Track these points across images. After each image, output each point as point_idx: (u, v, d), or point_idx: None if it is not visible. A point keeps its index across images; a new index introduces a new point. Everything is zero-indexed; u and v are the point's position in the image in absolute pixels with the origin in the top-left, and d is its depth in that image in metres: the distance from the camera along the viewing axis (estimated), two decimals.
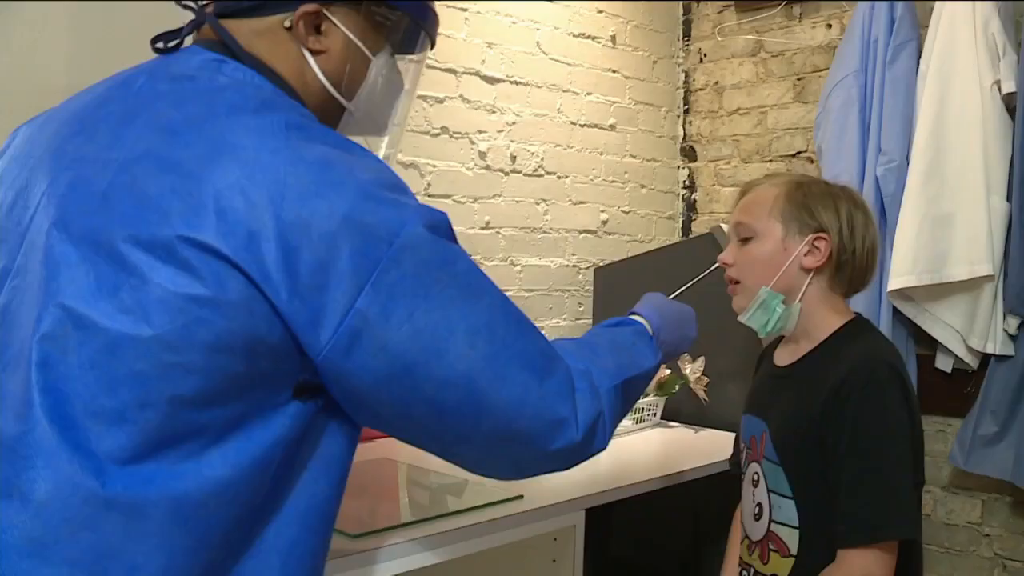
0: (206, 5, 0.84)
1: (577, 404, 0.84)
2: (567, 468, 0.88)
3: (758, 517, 1.34)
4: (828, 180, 1.39)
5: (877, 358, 1.25)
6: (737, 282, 1.36)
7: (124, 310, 0.66)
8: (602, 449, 0.90)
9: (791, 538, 1.28)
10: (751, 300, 1.33)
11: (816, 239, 1.30)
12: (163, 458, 0.67)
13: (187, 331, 0.66)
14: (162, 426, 0.67)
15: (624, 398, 0.95)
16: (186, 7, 0.85)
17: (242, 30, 0.82)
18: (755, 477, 1.36)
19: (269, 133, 0.72)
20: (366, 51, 0.86)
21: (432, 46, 0.95)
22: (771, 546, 1.31)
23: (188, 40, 0.85)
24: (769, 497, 1.31)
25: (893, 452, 1.20)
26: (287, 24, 0.82)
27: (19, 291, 0.73)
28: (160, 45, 0.84)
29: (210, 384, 0.68)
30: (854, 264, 1.32)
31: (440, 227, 0.76)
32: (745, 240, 1.36)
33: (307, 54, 0.83)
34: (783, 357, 1.40)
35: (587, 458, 0.89)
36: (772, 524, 1.30)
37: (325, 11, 0.83)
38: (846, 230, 1.30)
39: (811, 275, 1.32)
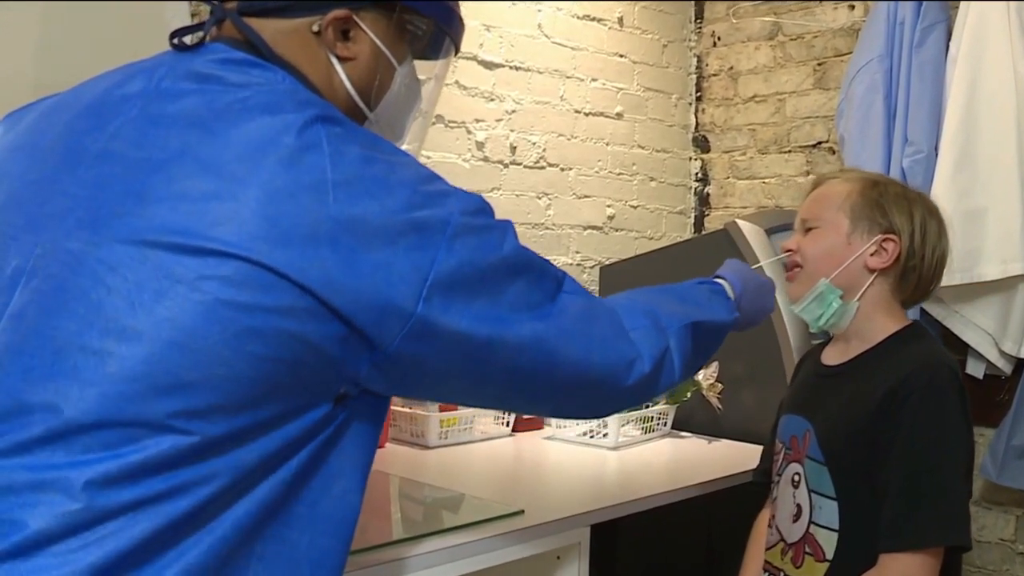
0: (227, 1, 0.86)
1: (637, 341, 0.95)
2: (641, 403, 1.04)
3: (796, 518, 1.38)
4: (906, 184, 1.46)
5: (938, 362, 1.31)
6: (797, 266, 1.42)
7: (169, 319, 0.68)
8: (670, 383, 1.01)
9: (828, 542, 1.31)
10: (808, 290, 1.39)
11: (884, 240, 1.36)
12: (200, 465, 0.70)
13: (236, 342, 0.69)
14: (204, 433, 0.69)
15: (694, 339, 1.04)
16: (207, 2, 0.87)
17: (267, 30, 0.84)
18: (795, 478, 1.40)
19: (309, 131, 0.74)
20: (392, 60, 0.90)
21: (457, 51, 1.00)
22: (807, 549, 1.35)
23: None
24: (810, 498, 1.35)
25: (949, 457, 1.24)
26: (315, 28, 0.85)
27: (42, 295, 0.72)
28: (177, 41, 0.85)
29: (253, 392, 0.71)
30: (921, 272, 1.37)
31: (482, 210, 0.83)
32: (810, 230, 1.42)
33: (335, 60, 0.87)
34: (832, 357, 1.45)
35: (658, 392, 1.01)
36: (811, 526, 1.34)
37: (355, 17, 0.86)
38: (918, 236, 1.36)
39: (874, 276, 1.37)
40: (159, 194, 0.72)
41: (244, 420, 0.71)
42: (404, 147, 0.98)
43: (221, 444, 0.70)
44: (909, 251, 1.36)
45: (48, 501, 0.66)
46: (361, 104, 0.90)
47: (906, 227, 1.36)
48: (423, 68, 0.98)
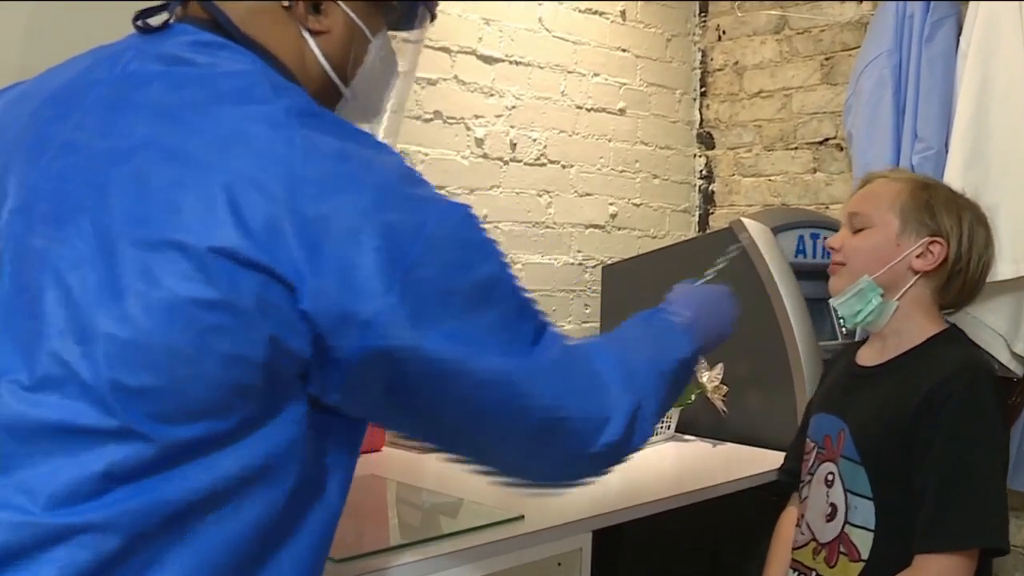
0: None
1: (613, 398, 0.88)
2: (605, 471, 0.92)
3: (830, 518, 1.41)
4: (955, 189, 1.50)
5: (978, 364, 1.37)
6: (841, 264, 1.45)
7: (129, 318, 0.67)
8: (641, 444, 0.93)
9: (864, 541, 1.35)
10: (850, 285, 1.42)
11: (931, 242, 1.39)
12: (170, 471, 0.68)
13: (201, 340, 0.67)
14: (171, 438, 0.68)
15: (664, 390, 0.98)
16: None
17: (236, 9, 0.83)
18: (829, 477, 1.43)
19: (282, 123, 0.73)
20: (367, 32, 0.89)
21: (432, 19, 0.99)
22: (841, 549, 1.38)
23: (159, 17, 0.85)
24: (846, 497, 1.39)
25: (988, 459, 1.29)
26: (286, 3, 0.84)
27: (5, 295, 0.71)
28: (141, 23, 0.83)
29: (224, 395, 0.69)
30: (965, 278, 1.41)
31: (466, 224, 0.78)
32: (859, 230, 1.45)
33: (307, 35, 0.85)
34: (867, 357, 1.49)
35: (626, 456, 0.92)
36: (846, 526, 1.38)
37: None
38: (965, 241, 1.40)
39: (917, 277, 1.40)
40: (121, 186, 0.70)
41: (213, 425, 0.69)
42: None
43: (191, 450, 0.68)
44: (956, 255, 1.39)
45: (9, 512, 0.65)
46: (336, 79, 0.88)
47: (954, 231, 1.39)
48: (401, 53, 0.96)
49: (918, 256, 1.39)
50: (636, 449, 0.93)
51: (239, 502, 0.71)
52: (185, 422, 0.68)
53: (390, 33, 0.94)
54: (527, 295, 0.84)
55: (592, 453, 0.87)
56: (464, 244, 0.77)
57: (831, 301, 1.47)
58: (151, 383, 0.67)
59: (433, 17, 0.98)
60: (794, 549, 1.49)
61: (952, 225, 1.39)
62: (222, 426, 0.69)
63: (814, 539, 1.44)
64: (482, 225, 0.80)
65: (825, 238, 2.16)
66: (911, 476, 1.30)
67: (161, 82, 0.76)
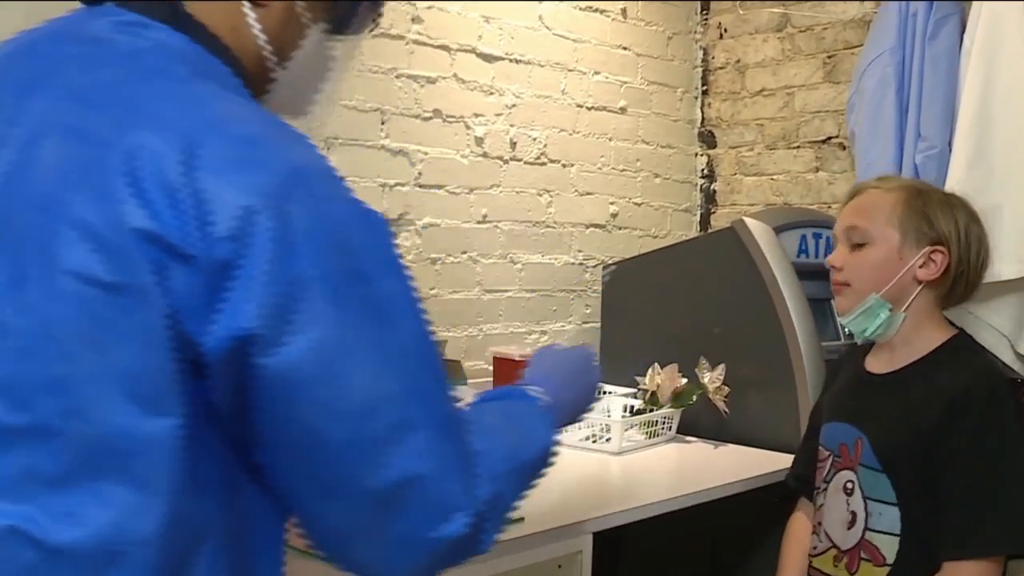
0: None
1: (476, 487, 0.78)
2: (438, 571, 0.80)
3: (850, 526, 1.43)
4: (944, 190, 1.52)
5: (996, 372, 1.41)
6: (845, 284, 1.45)
7: (32, 306, 0.65)
8: (487, 547, 0.81)
9: (889, 546, 1.37)
10: (857, 304, 1.43)
11: (933, 251, 1.40)
12: (97, 482, 0.65)
13: (105, 323, 0.64)
14: (94, 440, 0.64)
15: (521, 487, 0.89)
16: None
17: None
18: (848, 485, 1.45)
19: (195, 103, 0.71)
20: (307, 14, 0.86)
21: (375, 24, 0.95)
22: (863, 555, 1.40)
23: None
24: (866, 505, 1.41)
25: (1012, 465, 1.31)
26: None
27: None
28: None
29: (138, 386, 0.65)
30: (968, 278, 1.42)
31: (375, 230, 0.74)
32: (858, 246, 1.45)
33: (246, 7, 0.82)
34: (877, 365, 1.50)
35: (469, 556, 0.80)
36: (867, 532, 1.40)
37: None
38: (964, 243, 1.41)
39: (921, 286, 1.41)
40: (24, 172, 0.69)
41: (133, 423, 0.65)
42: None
43: (116, 456, 0.65)
44: (958, 259, 1.40)
45: None
46: (271, 57, 0.85)
47: (953, 235, 1.40)
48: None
49: (921, 266, 1.40)
50: (481, 551, 0.80)
51: (176, 518, 0.67)
52: (101, 418, 0.64)
53: (336, 38, 0.91)
54: (435, 343, 0.77)
55: (432, 539, 0.75)
56: (368, 253, 0.72)
57: (839, 320, 1.49)
58: (61, 373, 0.64)
59: (376, 22, 0.95)
60: (812, 557, 1.51)
61: (950, 230, 1.40)
62: (143, 426, 0.65)
63: (834, 546, 1.46)
64: (395, 243, 0.75)
65: (828, 238, 2.17)
66: (935, 483, 1.33)
67: (76, 64, 0.74)
